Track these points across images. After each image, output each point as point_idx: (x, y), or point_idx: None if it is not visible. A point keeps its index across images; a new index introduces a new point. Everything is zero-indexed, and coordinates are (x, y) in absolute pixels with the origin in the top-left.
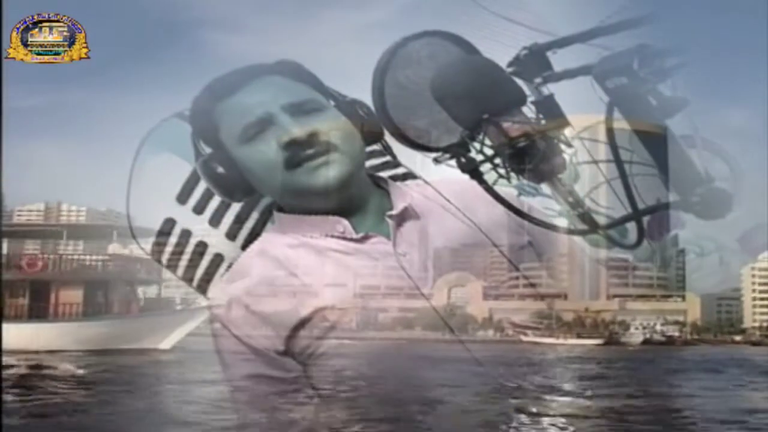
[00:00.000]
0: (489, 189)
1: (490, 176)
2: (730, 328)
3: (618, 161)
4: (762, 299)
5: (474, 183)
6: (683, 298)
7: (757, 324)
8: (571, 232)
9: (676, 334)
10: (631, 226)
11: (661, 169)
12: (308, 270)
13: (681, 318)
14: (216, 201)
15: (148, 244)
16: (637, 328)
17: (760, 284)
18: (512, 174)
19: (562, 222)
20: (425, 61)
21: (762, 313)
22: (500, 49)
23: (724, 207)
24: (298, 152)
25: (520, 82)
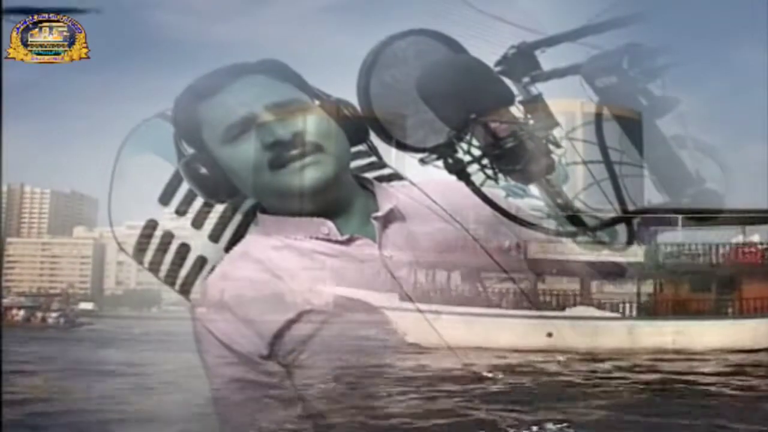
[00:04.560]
0: (476, 190)
1: (477, 177)
2: None
3: (608, 162)
4: None
5: (461, 184)
6: None
7: None
8: (560, 234)
9: None
10: (621, 227)
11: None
12: (292, 272)
13: None
14: (199, 202)
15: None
16: None
17: None
18: (500, 175)
19: (550, 224)
20: (411, 60)
21: None
22: (488, 48)
23: (714, 208)
24: (283, 153)
25: (508, 81)
